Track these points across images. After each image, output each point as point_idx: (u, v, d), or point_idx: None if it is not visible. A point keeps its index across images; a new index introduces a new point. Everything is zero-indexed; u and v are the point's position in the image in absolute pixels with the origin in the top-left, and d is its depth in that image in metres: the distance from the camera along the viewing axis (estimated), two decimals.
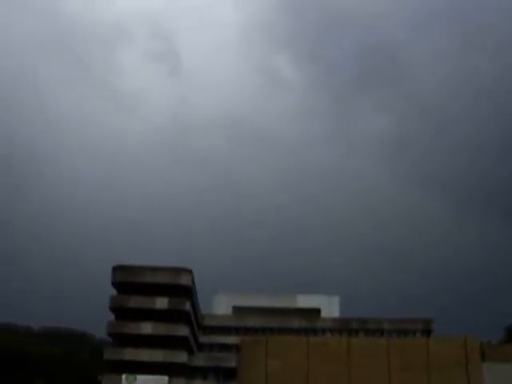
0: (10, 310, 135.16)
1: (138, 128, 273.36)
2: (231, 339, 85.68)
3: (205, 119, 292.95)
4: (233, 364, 65.91)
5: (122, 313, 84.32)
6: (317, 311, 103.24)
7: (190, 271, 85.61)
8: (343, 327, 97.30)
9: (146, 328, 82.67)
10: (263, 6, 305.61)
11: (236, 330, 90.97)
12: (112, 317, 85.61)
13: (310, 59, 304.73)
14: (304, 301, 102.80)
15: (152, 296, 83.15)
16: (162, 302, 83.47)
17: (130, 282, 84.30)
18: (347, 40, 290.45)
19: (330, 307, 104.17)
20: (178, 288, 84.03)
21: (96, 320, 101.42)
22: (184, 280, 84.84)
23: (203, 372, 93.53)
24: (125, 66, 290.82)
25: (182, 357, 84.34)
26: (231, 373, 66.06)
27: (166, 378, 78.23)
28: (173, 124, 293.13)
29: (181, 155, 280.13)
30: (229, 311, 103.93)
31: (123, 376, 78.72)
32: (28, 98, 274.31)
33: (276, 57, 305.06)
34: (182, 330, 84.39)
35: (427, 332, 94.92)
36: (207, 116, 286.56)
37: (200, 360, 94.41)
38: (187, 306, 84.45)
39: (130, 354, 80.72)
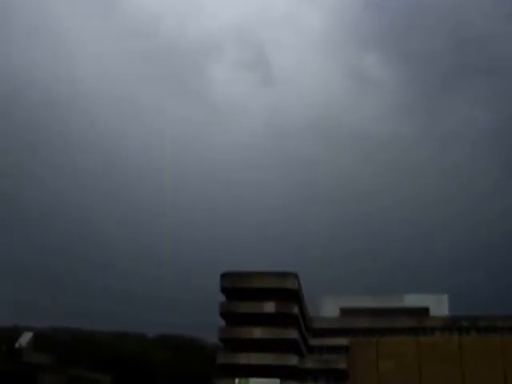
0: (125, 318, 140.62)
1: (233, 137, 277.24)
2: (340, 341, 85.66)
3: (298, 124, 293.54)
4: (343, 366, 66.06)
5: (231, 318, 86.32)
6: (425, 310, 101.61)
7: (295, 275, 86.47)
8: (453, 326, 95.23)
9: (256, 332, 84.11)
10: (347, 6, 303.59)
11: (344, 332, 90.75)
12: (222, 322, 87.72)
13: (399, 56, 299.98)
14: (411, 300, 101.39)
15: (260, 301, 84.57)
16: (269, 307, 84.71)
17: (237, 288, 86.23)
18: (437, 35, 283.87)
19: (439, 306, 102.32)
20: (284, 292, 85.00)
21: (207, 326, 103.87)
22: (290, 284, 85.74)
23: (314, 374, 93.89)
24: (217, 77, 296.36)
25: (292, 360, 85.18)
26: (342, 375, 66.18)
27: (277, 380, 79.12)
28: (267, 131, 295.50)
29: (276, 161, 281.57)
30: (336, 313, 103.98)
31: (236, 380, 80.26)
32: (130, 115, 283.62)
33: (364, 56, 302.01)
34: (292, 334, 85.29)
35: None
36: (300, 120, 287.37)
37: (310, 362, 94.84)
38: (295, 310, 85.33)
39: (242, 358, 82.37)
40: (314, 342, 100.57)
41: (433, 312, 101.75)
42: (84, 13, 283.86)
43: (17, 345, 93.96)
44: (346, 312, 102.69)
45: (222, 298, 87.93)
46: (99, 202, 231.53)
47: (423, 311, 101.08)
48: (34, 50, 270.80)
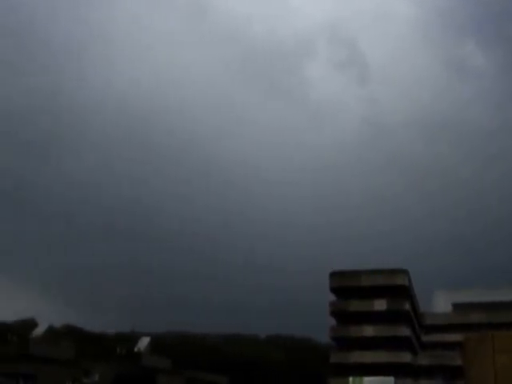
0: (237, 321, 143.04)
1: (330, 136, 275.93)
2: (454, 337, 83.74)
3: (397, 119, 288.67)
4: (458, 362, 64.64)
5: (342, 317, 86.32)
6: None
7: (405, 271, 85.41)
8: None
9: (368, 330, 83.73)
10: None
11: (458, 328, 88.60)
12: (333, 321, 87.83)
13: (497, 41, 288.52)
14: None
15: (370, 299, 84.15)
16: (380, 304, 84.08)
17: (347, 287, 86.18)
18: None
19: None
20: (395, 289, 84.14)
21: (319, 325, 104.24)
22: (400, 280, 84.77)
23: (428, 371, 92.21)
24: (311, 77, 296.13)
25: (405, 357, 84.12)
26: (456, 371, 64.80)
27: (391, 378, 78.44)
28: (365, 127, 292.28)
29: (376, 157, 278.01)
30: (448, 308, 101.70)
31: (350, 379, 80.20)
32: (227, 116, 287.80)
33: (460, 44, 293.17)
34: (404, 331, 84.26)
35: None
36: (399, 116, 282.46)
37: (424, 359, 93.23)
38: (406, 306, 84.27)
39: (355, 357, 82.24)
40: (426, 338, 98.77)
41: None
42: (176, 20, 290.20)
43: (136, 349, 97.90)
44: (458, 307, 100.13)
45: (331, 297, 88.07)
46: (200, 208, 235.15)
47: None
48: (134, 63, 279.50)
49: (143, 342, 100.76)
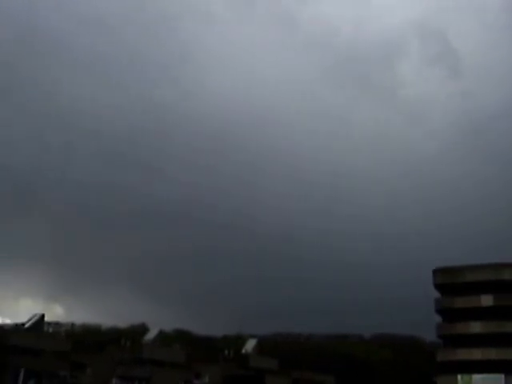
0: (344, 322, 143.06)
1: (427, 132, 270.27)
2: None
3: (494, 113, 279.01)
4: None
5: (448, 314, 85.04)
6: None
7: None
8: None
9: (475, 327, 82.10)
10: None
11: None
12: (438, 319, 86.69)
13: None
14: None
15: (476, 294, 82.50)
16: (487, 300, 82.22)
17: (452, 283, 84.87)
18: None
19: None
20: (502, 284, 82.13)
21: (423, 323, 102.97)
22: (508, 275, 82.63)
23: None
24: (404, 74, 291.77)
25: None
26: None
27: (501, 376, 76.66)
28: (461, 121, 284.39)
29: (473, 152, 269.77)
30: None
31: (458, 376, 78.98)
32: (322, 119, 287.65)
33: None
34: None
35: None
36: (496, 109, 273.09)
37: None
38: None
39: (463, 354, 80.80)
40: None
41: None
42: (268, 29, 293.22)
43: (243, 351, 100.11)
44: None
45: (435, 294, 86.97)
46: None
47: None
48: (226, 74, 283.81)
49: (250, 344, 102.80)
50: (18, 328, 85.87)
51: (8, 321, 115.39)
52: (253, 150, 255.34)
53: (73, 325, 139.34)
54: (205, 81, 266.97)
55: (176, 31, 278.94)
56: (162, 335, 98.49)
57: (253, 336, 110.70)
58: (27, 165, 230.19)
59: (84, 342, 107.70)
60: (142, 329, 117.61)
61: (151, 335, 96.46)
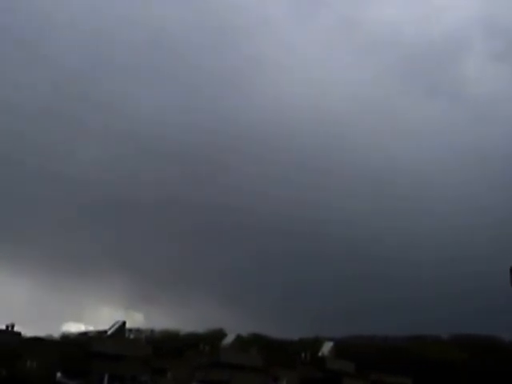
0: (421, 322, 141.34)
1: (494, 132, 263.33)
2: None
3: None
4: None
5: None
6: None
7: None
8: None
9: None
10: None
11: None
12: None
13: None
14: None
15: None
16: None
17: None
18: None
19: None
20: None
21: (502, 323, 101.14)
22: None
23: None
24: (470, 72, 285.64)
25: None
26: None
27: None
28: None
29: None
30: None
31: None
32: (389, 122, 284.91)
33: None
34: None
35: None
36: None
37: None
38: None
39: None
40: None
41: None
42: (331, 33, 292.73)
43: (320, 354, 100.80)
44: None
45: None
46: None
47: None
48: (293, 83, 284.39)
49: (327, 347, 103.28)
50: (100, 335, 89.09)
51: (91, 328, 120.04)
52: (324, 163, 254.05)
53: (152, 331, 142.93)
54: (272, 91, 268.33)
55: (240, 43, 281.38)
56: (239, 340, 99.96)
57: (329, 339, 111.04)
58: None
59: (164, 347, 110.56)
60: (220, 334, 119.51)
61: (229, 340, 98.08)
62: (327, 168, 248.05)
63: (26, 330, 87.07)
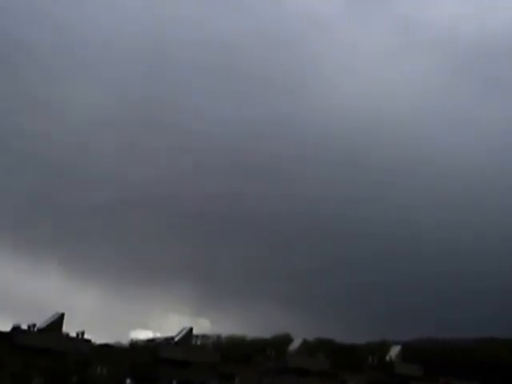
0: (490, 324, 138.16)
1: None
2: None
3: None
4: None
5: None
6: None
7: None
8: None
9: None
10: None
11: None
12: None
13: None
14: None
15: None
16: None
17: None
18: None
19: None
20: None
21: None
22: None
23: None
24: None
25: None
26: None
27: None
28: None
29: None
30: None
31: None
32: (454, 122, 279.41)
33: None
34: None
35: None
36: None
37: None
38: None
39: None
40: None
41: None
42: (387, 34, 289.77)
43: (387, 358, 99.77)
44: None
45: None
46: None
47: None
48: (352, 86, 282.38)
49: (394, 350, 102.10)
50: (168, 341, 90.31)
51: (158, 335, 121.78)
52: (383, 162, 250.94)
53: (219, 337, 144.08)
54: (331, 95, 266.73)
55: (297, 47, 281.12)
56: (305, 344, 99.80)
57: (396, 342, 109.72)
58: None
59: (230, 353, 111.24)
60: (286, 338, 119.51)
61: (295, 345, 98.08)
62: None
63: (96, 337, 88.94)
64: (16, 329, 78.67)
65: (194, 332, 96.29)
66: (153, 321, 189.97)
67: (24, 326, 79.23)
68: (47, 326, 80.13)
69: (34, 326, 79.67)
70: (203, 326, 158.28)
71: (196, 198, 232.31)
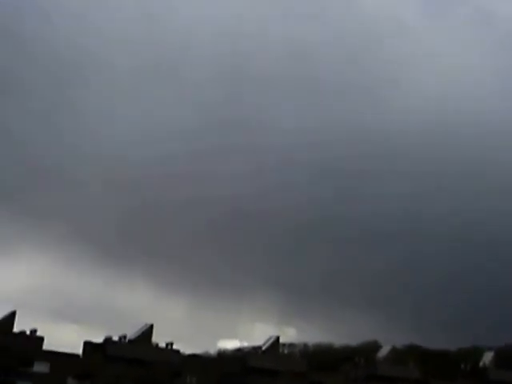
0: None
1: None
2: None
3: None
4: None
5: None
6: None
7: None
8: None
9: None
10: None
11: None
12: None
13: None
14: None
15: None
16: None
17: None
18: None
19: None
20: None
21: None
22: None
23: None
24: None
25: None
26: None
27: None
28: None
29: None
30: None
31: None
32: None
33: None
34: None
35: None
36: None
37: None
38: None
39: None
40: None
41: None
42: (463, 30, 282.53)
43: (481, 364, 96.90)
44: None
45: None
46: None
47: None
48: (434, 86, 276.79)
49: (488, 357, 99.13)
50: (256, 350, 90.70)
51: (245, 344, 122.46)
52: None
53: (306, 345, 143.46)
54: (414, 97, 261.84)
55: (378, 50, 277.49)
56: (394, 351, 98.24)
57: (489, 348, 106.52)
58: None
59: (317, 361, 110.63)
60: (374, 346, 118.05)
61: (384, 352, 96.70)
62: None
63: (185, 347, 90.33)
64: (108, 340, 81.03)
65: (281, 341, 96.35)
66: (240, 330, 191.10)
67: (115, 338, 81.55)
68: (137, 337, 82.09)
69: (125, 337, 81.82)
70: (289, 335, 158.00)
71: (282, 209, 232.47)
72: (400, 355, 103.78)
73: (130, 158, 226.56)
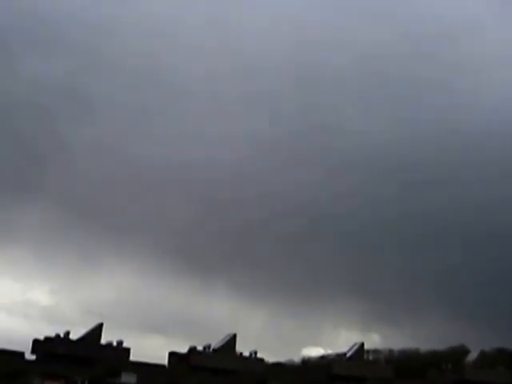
0: None
1: None
2: None
3: None
4: None
5: None
6: None
7: None
8: None
9: None
10: None
11: None
12: None
13: None
14: None
15: None
16: None
17: None
18: None
19: None
20: None
21: None
22: None
23: None
24: None
25: None
26: None
27: None
28: None
29: None
30: None
31: None
32: None
33: None
34: None
35: None
36: None
37: None
38: None
39: None
40: None
41: None
42: None
43: None
44: None
45: None
46: None
47: None
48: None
49: None
50: (340, 358, 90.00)
51: (329, 351, 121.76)
52: None
53: (391, 351, 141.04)
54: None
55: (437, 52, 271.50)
56: (483, 355, 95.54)
57: None
58: None
59: (403, 367, 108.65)
60: (462, 350, 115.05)
61: (472, 356, 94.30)
62: None
63: (268, 355, 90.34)
64: (192, 350, 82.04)
65: (365, 347, 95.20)
66: (323, 337, 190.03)
67: (200, 348, 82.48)
68: (221, 346, 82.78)
69: (209, 346, 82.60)
70: (373, 341, 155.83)
71: (357, 211, 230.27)
72: (489, 359, 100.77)
73: (219, 177, 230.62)
